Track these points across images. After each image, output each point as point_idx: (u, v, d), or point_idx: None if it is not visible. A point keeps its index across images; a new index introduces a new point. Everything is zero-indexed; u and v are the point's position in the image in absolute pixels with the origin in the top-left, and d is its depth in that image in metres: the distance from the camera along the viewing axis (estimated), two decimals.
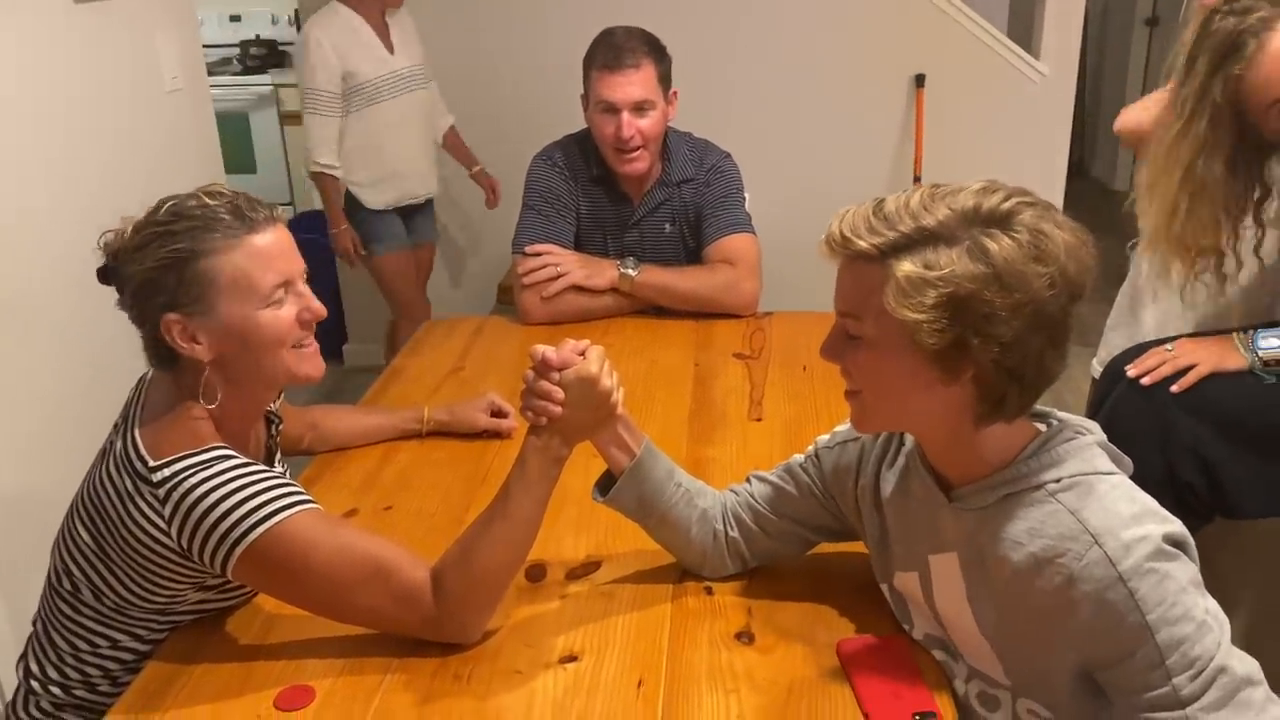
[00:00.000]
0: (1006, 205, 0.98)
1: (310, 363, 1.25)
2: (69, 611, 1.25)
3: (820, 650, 1.19)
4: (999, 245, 0.96)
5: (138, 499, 1.16)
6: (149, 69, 2.37)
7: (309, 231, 4.19)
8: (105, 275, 1.21)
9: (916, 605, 1.18)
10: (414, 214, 3.20)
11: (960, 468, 1.09)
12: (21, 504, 1.86)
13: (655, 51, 2.16)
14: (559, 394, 1.18)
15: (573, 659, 1.19)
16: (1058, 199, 3.73)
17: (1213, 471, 1.51)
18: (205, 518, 1.14)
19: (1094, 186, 6.04)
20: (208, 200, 1.18)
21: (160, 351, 1.21)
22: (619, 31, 2.16)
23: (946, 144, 3.57)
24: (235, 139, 4.61)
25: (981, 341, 0.97)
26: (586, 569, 1.36)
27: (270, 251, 1.19)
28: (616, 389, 1.22)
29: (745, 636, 1.22)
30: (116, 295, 1.21)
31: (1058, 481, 1.02)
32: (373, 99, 2.95)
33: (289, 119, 4.81)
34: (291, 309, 1.21)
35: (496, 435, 1.71)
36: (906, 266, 0.97)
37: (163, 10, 2.42)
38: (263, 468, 1.20)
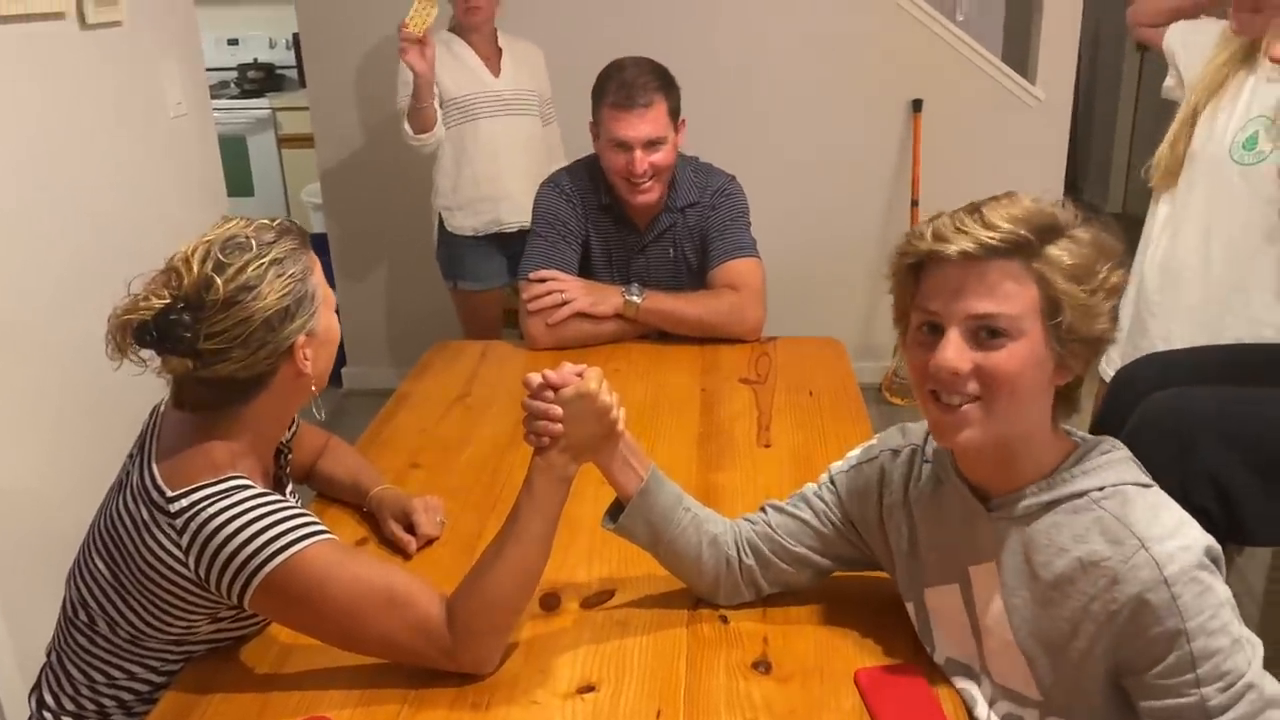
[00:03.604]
0: (1076, 219, 1.05)
1: None
2: (84, 643, 1.24)
3: (838, 679, 1.19)
4: (1088, 234, 1.03)
5: (154, 529, 1.16)
6: (154, 95, 2.38)
7: None
8: (175, 328, 1.13)
9: (946, 623, 1.19)
10: (519, 248, 2.74)
11: (1004, 477, 1.10)
12: (28, 538, 1.85)
13: (666, 86, 2.16)
14: (557, 411, 1.19)
15: (590, 689, 1.19)
16: None
17: (1230, 498, 1.52)
18: (224, 548, 1.14)
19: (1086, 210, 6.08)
20: (271, 225, 1.22)
21: (233, 388, 1.19)
22: (629, 66, 2.16)
23: (944, 168, 3.60)
24: (233, 162, 4.57)
25: (1110, 326, 1.04)
26: (600, 597, 1.36)
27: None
28: (616, 406, 1.23)
29: (762, 666, 1.22)
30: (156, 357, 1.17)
31: (1100, 490, 1.05)
32: (466, 116, 2.92)
33: (287, 142, 4.83)
34: None
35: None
36: (1059, 252, 1.01)
37: (168, 37, 2.43)
38: (279, 497, 1.20)
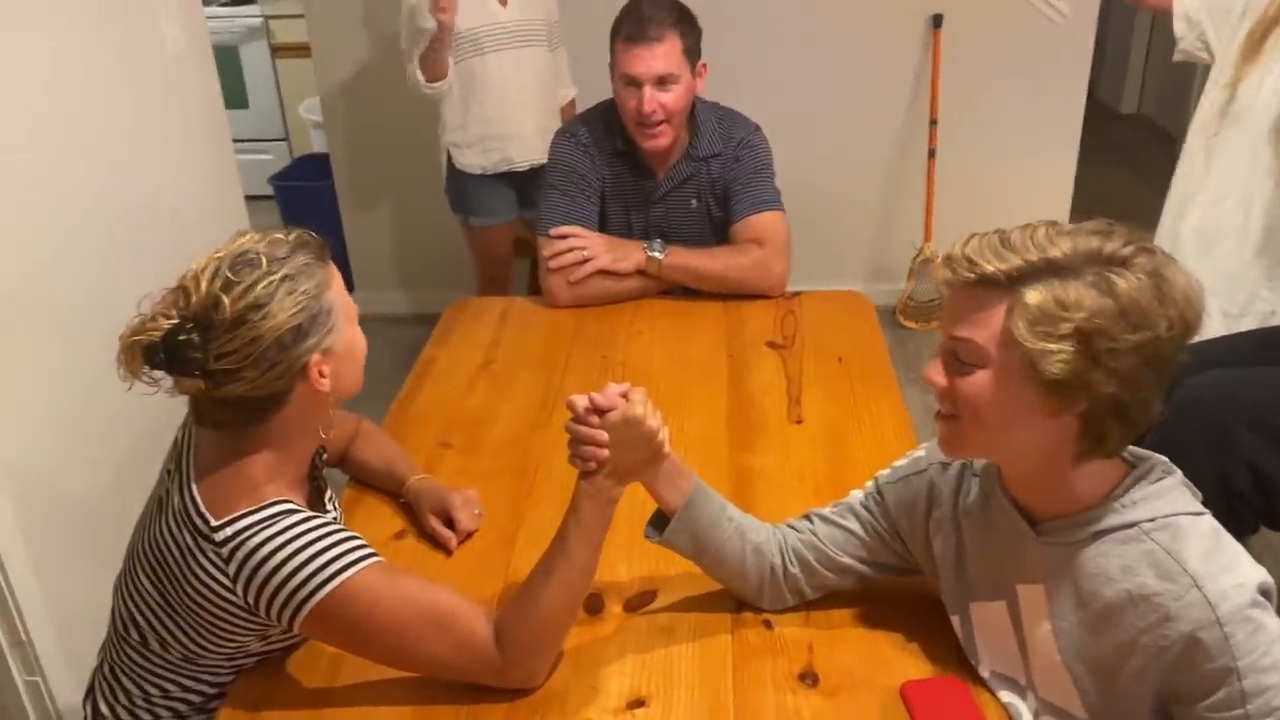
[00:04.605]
0: (1126, 250, 1.00)
1: None
2: (138, 659, 1.26)
3: (885, 692, 1.21)
4: (1126, 282, 0.98)
5: (199, 556, 1.16)
6: (151, 33, 2.27)
7: (309, 177, 4.11)
8: (184, 348, 1.12)
9: (992, 638, 1.20)
10: (528, 184, 2.87)
11: (1048, 502, 1.11)
12: (70, 533, 1.83)
13: (682, 22, 2.09)
14: (603, 437, 1.19)
15: (640, 704, 1.21)
16: (1075, 139, 3.68)
17: (1267, 485, 1.52)
18: (272, 577, 1.14)
19: (1100, 110, 5.93)
20: (285, 239, 1.18)
21: (250, 407, 1.17)
22: (646, 2, 2.08)
23: (964, 86, 3.50)
24: (225, 74, 4.38)
25: (1103, 376, 0.99)
26: (643, 599, 1.37)
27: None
28: (661, 428, 1.22)
29: (809, 678, 1.23)
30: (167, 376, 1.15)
31: (1151, 521, 1.05)
32: (475, 50, 2.78)
33: (280, 51, 4.67)
34: None
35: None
36: (1036, 295, 0.99)
37: None
38: (323, 520, 1.19)
